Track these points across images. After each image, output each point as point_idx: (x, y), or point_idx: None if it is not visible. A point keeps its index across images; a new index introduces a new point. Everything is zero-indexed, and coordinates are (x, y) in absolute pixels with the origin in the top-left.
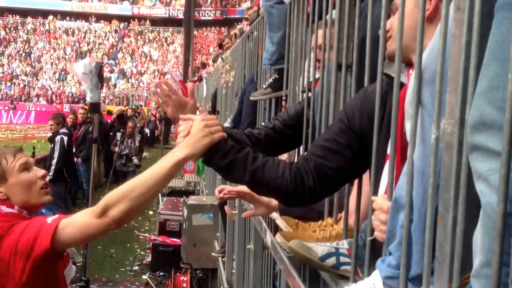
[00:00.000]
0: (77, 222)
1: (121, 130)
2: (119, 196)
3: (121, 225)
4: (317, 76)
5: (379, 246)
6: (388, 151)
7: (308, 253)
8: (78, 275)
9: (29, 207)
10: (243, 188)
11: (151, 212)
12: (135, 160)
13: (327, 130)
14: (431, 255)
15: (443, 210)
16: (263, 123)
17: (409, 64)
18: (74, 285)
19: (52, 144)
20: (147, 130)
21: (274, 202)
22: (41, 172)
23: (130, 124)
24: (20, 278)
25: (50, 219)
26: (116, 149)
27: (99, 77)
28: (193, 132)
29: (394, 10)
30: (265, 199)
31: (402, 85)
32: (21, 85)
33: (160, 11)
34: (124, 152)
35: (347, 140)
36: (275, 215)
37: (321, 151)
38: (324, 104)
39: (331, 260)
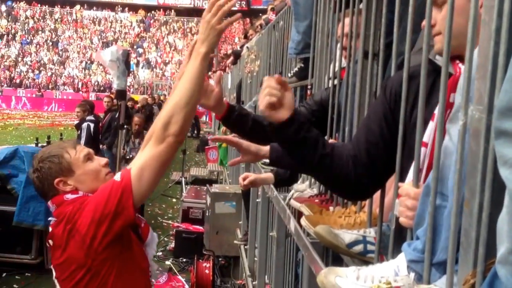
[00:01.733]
0: (146, 163)
1: (126, 127)
2: (170, 113)
3: (183, 138)
4: (344, 65)
5: (404, 235)
6: (425, 139)
7: (335, 240)
8: None
9: None
10: (230, 137)
11: (174, 200)
12: None
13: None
14: (456, 241)
15: (469, 196)
16: None
17: (457, 57)
18: None
19: (79, 131)
20: None
21: (263, 151)
22: (103, 160)
23: (136, 119)
24: (98, 246)
25: (118, 177)
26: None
27: (126, 64)
28: (201, 31)
29: (440, 2)
30: (253, 147)
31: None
32: (49, 74)
33: (185, 1)
34: (130, 156)
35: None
36: (297, 204)
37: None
38: (349, 92)
39: (358, 248)
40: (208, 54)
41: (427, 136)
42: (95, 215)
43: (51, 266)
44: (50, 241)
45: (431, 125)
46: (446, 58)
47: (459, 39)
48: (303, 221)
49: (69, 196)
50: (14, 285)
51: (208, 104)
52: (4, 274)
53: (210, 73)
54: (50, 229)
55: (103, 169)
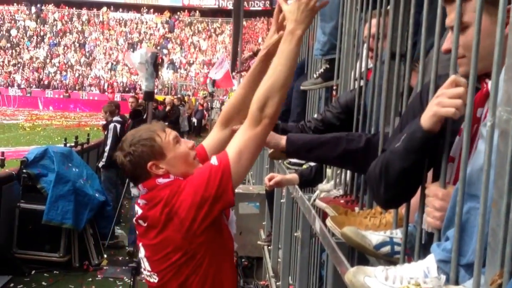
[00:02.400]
0: (244, 145)
1: None
2: (266, 95)
3: (276, 120)
4: (370, 66)
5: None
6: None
7: (362, 241)
8: (127, 258)
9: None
10: None
11: None
12: None
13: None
14: (484, 241)
15: (497, 197)
16: (315, 115)
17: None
18: (124, 267)
19: (106, 131)
20: (194, 120)
21: (282, 144)
22: (190, 142)
23: None
24: (197, 229)
25: (214, 161)
26: None
27: (154, 66)
28: (295, 12)
29: (462, 26)
30: (272, 144)
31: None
32: (76, 75)
33: (210, 2)
34: None
35: None
36: (323, 204)
37: None
38: (376, 93)
39: (386, 249)
40: (302, 36)
41: (454, 151)
42: (195, 199)
43: (139, 244)
44: (141, 221)
45: (458, 140)
46: (473, 75)
47: (484, 61)
48: (329, 222)
49: (161, 180)
50: (43, 282)
51: None
52: (33, 272)
53: (234, 73)
54: (140, 210)
55: (191, 152)
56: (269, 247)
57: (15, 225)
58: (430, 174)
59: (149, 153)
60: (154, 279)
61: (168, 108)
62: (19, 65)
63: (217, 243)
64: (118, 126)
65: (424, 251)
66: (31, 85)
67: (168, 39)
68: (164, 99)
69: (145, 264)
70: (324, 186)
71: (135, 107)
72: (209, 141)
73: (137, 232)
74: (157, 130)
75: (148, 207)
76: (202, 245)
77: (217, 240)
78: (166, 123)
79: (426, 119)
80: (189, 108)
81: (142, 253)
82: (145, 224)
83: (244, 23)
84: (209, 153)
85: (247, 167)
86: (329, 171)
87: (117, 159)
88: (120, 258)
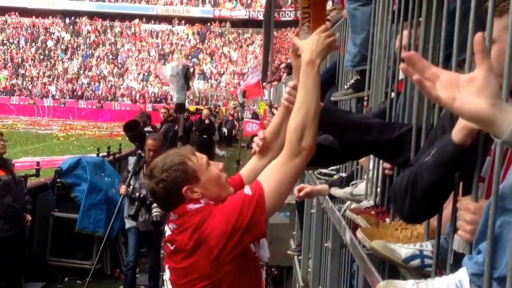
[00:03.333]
0: (284, 177)
1: (138, 152)
2: (302, 125)
3: (314, 151)
4: (401, 77)
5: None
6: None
7: (391, 255)
8: (149, 265)
9: (220, 201)
10: None
11: None
12: (155, 211)
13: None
14: None
15: None
16: None
17: None
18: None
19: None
20: (224, 130)
21: None
22: (220, 164)
23: (150, 142)
24: (225, 258)
25: (248, 191)
26: (123, 190)
27: (185, 78)
28: (315, 44)
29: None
30: None
31: None
32: (108, 85)
33: (241, 13)
34: (137, 195)
35: None
36: (354, 215)
37: None
38: (407, 105)
39: (415, 262)
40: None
41: (485, 171)
42: (227, 228)
43: (166, 266)
44: (169, 244)
45: (488, 160)
46: (506, 91)
47: None
48: (359, 233)
49: (192, 206)
50: None
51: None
52: (66, 279)
53: (264, 83)
54: (170, 233)
55: (222, 174)
56: (299, 257)
57: (49, 233)
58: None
59: (183, 178)
60: None
61: (207, 121)
62: (53, 77)
63: (244, 274)
64: None
65: (456, 264)
66: (65, 96)
67: (199, 50)
68: (201, 111)
69: (169, 287)
70: (336, 191)
71: (167, 117)
72: (246, 170)
73: (164, 253)
74: (188, 154)
75: (178, 231)
76: (229, 274)
77: (245, 271)
78: (205, 136)
79: (457, 133)
80: (219, 118)
81: (167, 275)
82: (173, 247)
83: (275, 33)
84: (246, 182)
85: (283, 199)
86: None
87: (148, 187)
88: None
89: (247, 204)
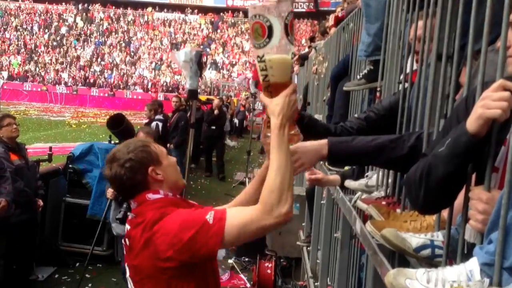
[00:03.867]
0: (250, 228)
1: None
2: (281, 189)
3: (289, 217)
4: (414, 67)
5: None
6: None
7: (402, 244)
8: None
9: (176, 189)
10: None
11: None
12: None
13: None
14: None
15: None
16: (355, 115)
17: None
18: None
19: None
20: (236, 120)
21: (323, 153)
22: (173, 158)
23: (143, 136)
24: (172, 266)
25: (210, 218)
26: (110, 193)
27: (198, 65)
28: (283, 105)
29: None
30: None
31: None
32: (121, 74)
33: (254, 3)
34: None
35: None
36: (364, 205)
37: None
38: (421, 95)
39: (426, 252)
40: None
41: (498, 162)
42: (177, 243)
43: (126, 264)
44: (127, 241)
45: (503, 150)
46: None
47: None
48: (369, 226)
49: (151, 196)
50: (86, 275)
51: None
52: (77, 264)
53: None
54: (128, 226)
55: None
56: (308, 248)
57: (61, 218)
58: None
59: (148, 158)
60: None
61: (216, 112)
62: (66, 63)
63: (200, 278)
64: (160, 124)
65: (466, 254)
66: (77, 83)
67: (212, 40)
68: (211, 100)
69: (130, 285)
70: (351, 183)
71: (179, 106)
72: (234, 203)
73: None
74: (150, 142)
75: (133, 225)
76: (178, 278)
77: (197, 273)
78: (214, 127)
79: (471, 122)
80: (231, 109)
81: (127, 272)
82: (128, 244)
83: None
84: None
85: (238, 243)
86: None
87: (108, 172)
88: None
89: (204, 232)
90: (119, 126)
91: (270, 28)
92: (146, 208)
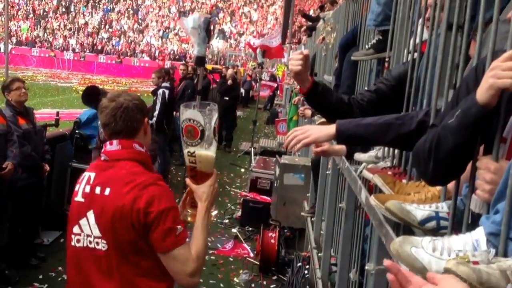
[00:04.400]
0: (179, 265)
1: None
2: (201, 264)
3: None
4: (425, 37)
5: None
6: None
7: (407, 217)
8: None
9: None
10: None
11: (242, 170)
12: None
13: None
14: None
15: None
16: (365, 88)
17: None
18: None
19: (155, 97)
20: (242, 90)
21: (331, 133)
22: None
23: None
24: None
25: (178, 232)
26: None
27: (206, 31)
28: (209, 192)
29: None
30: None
31: None
32: (128, 41)
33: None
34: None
35: None
36: (370, 175)
37: None
38: (430, 65)
39: (431, 224)
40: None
41: (507, 132)
42: (151, 217)
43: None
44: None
45: (511, 120)
46: None
47: None
48: (373, 200)
49: (137, 147)
50: None
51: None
52: None
53: (287, 44)
54: (93, 174)
55: None
56: (312, 219)
57: (67, 183)
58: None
59: (145, 110)
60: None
61: (230, 82)
62: (74, 30)
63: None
64: (167, 92)
65: (472, 225)
66: (85, 49)
67: (220, 9)
68: (217, 70)
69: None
70: (360, 155)
71: (186, 74)
72: None
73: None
74: None
75: (121, 185)
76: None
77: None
78: (227, 98)
79: (481, 93)
80: (237, 79)
81: (92, 219)
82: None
83: None
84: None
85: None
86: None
87: (112, 103)
88: None
89: (169, 236)
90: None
91: (203, 131)
92: (132, 156)
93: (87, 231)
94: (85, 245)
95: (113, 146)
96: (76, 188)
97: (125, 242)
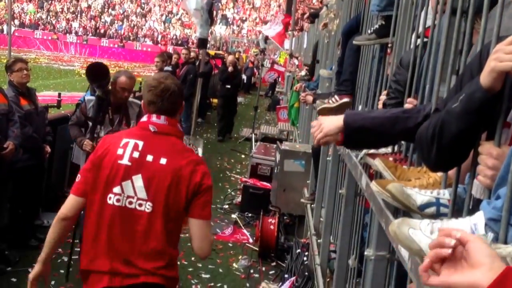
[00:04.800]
0: (208, 233)
1: (97, 95)
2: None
3: None
4: (428, 23)
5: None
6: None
7: (407, 201)
8: None
9: None
10: None
11: (243, 156)
12: None
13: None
14: None
15: None
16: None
17: None
18: None
19: None
20: (244, 76)
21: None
22: None
23: (125, 80)
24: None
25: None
26: (89, 146)
27: (209, 13)
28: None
29: None
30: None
31: None
32: (131, 25)
33: None
34: None
35: None
36: (371, 160)
37: None
38: (433, 50)
39: (431, 210)
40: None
41: (510, 117)
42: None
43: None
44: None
45: None
46: None
47: None
48: (374, 186)
49: (178, 125)
50: None
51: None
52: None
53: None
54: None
55: None
56: (312, 206)
57: (68, 165)
58: None
59: (183, 93)
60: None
61: (231, 69)
62: (77, 13)
63: None
64: None
65: (472, 212)
66: (88, 33)
67: None
68: (220, 55)
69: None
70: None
71: (188, 59)
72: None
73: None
74: None
75: (179, 157)
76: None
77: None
78: (229, 86)
79: (484, 76)
80: (239, 65)
81: (140, 182)
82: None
83: None
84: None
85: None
86: None
87: (160, 84)
88: None
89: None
90: (104, 78)
91: None
92: (176, 132)
93: (128, 193)
94: (123, 204)
95: (160, 120)
96: (119, 152)
97: (174, 206)
